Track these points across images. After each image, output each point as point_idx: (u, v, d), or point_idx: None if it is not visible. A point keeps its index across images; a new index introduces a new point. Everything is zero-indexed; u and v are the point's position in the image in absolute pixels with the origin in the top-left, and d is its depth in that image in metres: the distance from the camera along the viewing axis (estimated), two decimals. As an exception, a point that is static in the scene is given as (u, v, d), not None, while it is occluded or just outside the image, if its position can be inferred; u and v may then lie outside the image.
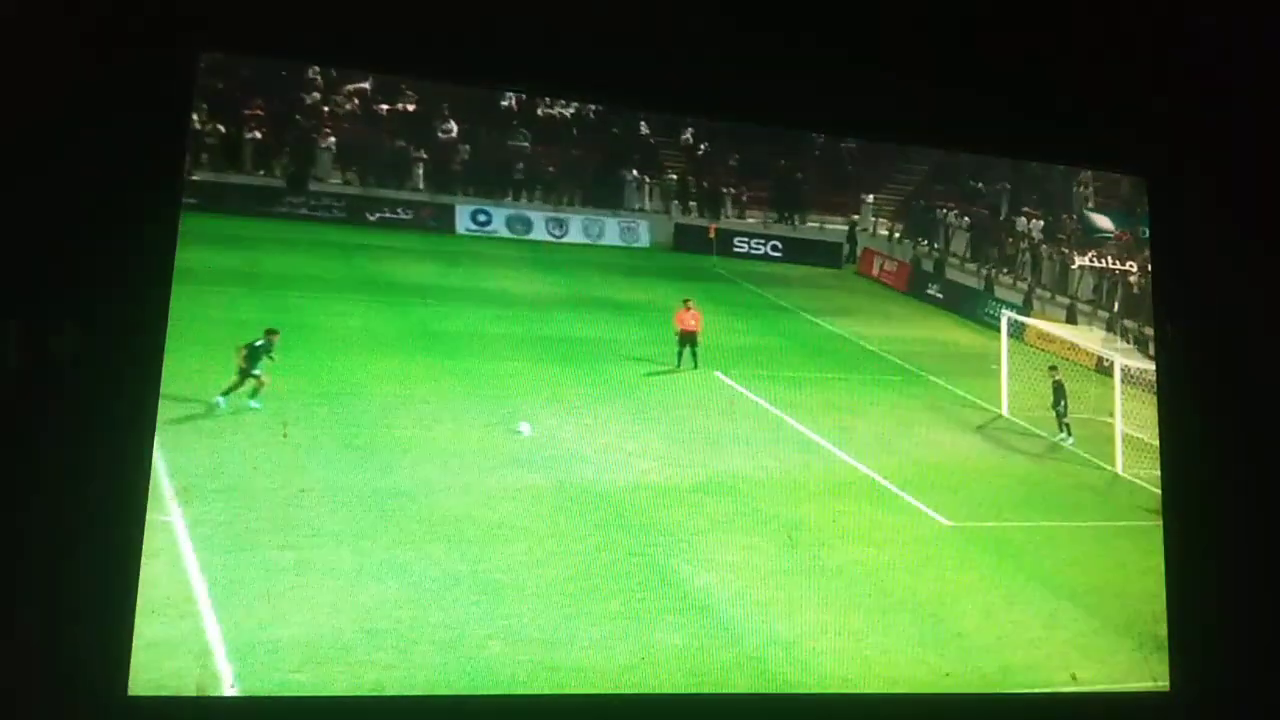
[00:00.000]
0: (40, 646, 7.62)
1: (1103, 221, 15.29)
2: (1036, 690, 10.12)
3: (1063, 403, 14.09)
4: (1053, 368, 14.55)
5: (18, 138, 7.93)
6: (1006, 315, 14.87)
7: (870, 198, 18.46)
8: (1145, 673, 10.37)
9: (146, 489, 8.27)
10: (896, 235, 18.18)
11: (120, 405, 8.05)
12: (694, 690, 9.23)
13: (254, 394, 12.16)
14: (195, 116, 12.76)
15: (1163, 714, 10.26)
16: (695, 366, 14.63)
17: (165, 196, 8.41)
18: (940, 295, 16.62)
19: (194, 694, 8.38)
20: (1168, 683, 10.32)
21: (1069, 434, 13.96)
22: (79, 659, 7.74)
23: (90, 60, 8.17)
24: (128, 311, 8.18)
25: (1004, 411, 13.88)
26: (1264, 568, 10.59)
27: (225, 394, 11.97)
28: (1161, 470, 11.01)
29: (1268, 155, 10.93)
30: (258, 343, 12.38)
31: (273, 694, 8.57)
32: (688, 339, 14.77)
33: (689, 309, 14.99)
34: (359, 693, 8.71)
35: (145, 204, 8.20)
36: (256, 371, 12.22)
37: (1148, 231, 14.12)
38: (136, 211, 8.19)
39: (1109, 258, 15.35)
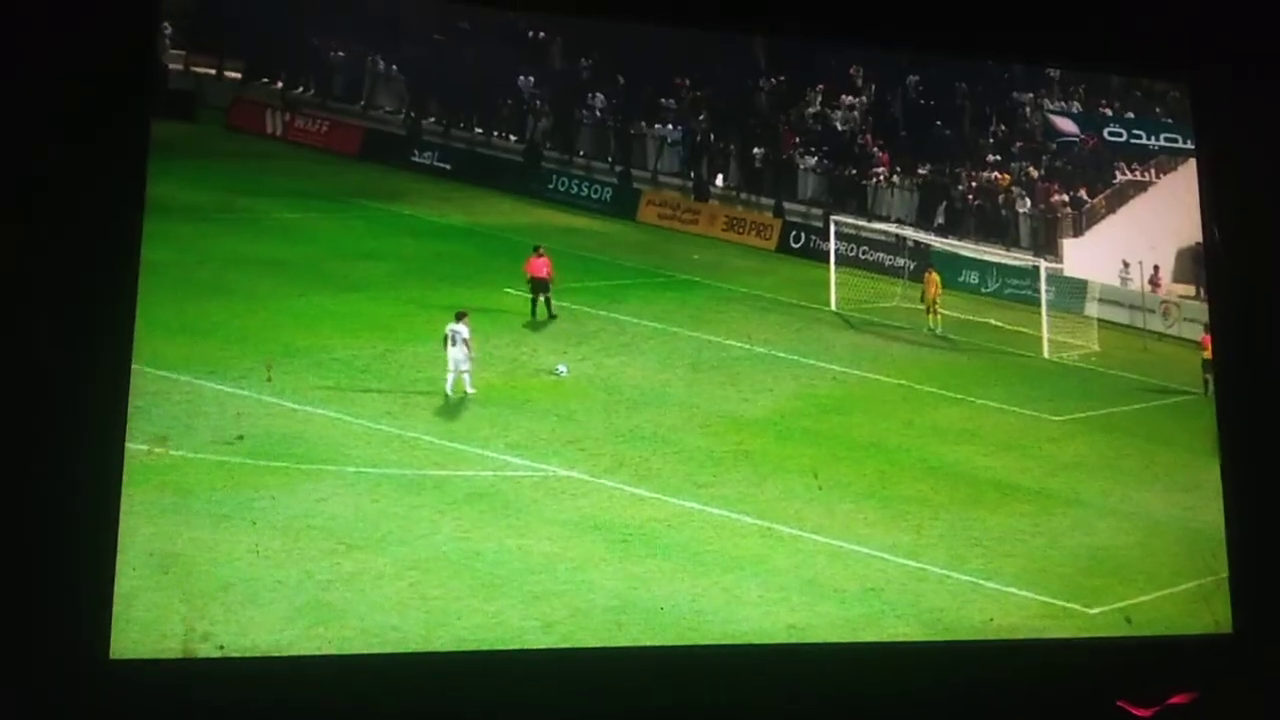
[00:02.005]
0: (16, 611, 6.58)
1: (1065, 125, 14.30)
2: (1085, 636, 9.10)
3: None
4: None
5: None
6: (834, 220, 14.38)
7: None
8: (1206, 615, 9.22)
9: (123, 443, 7.38)
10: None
11: (92, 354, 7.17)
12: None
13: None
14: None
15: (1227, 658, 8.92)
16: (550, 315, 12.21)
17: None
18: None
19: (179, 656, 7.39)
20: (1230, 625, 9.01)
21: None
22: (58, 623, 6.69)
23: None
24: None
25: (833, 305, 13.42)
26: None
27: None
28: (1217, 392, 9.73)
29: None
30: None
31: (263, 654, 7.62)
32: (540, 287, 12.26)
33: (540, 254, 12.40)
34: (346, 652, 7.85)
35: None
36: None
37: (1149, 137, 13.00)
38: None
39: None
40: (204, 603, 7.76)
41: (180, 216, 9.93)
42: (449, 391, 10.54)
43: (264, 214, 11.97)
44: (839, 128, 14.90)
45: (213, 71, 13.41)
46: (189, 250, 10.16)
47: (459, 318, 10.77)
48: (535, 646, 8.22)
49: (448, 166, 14.48)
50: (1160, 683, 8.55)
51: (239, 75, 13.76)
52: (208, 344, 9.63)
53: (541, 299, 12.31)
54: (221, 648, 7.58)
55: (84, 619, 6.84)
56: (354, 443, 9.75)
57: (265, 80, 14.16)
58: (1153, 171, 13.95)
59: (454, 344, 10.63)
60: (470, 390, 10.61)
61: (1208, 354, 11.31)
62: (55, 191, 7.46)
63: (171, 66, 12.05)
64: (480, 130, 15.08)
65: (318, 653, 7.83)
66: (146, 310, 7.84)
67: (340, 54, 14.38)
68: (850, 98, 14.91)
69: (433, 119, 15.03)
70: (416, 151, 14.53)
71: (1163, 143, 12.93)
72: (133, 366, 7.71)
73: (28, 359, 7.08)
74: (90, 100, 7.59)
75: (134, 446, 7.92)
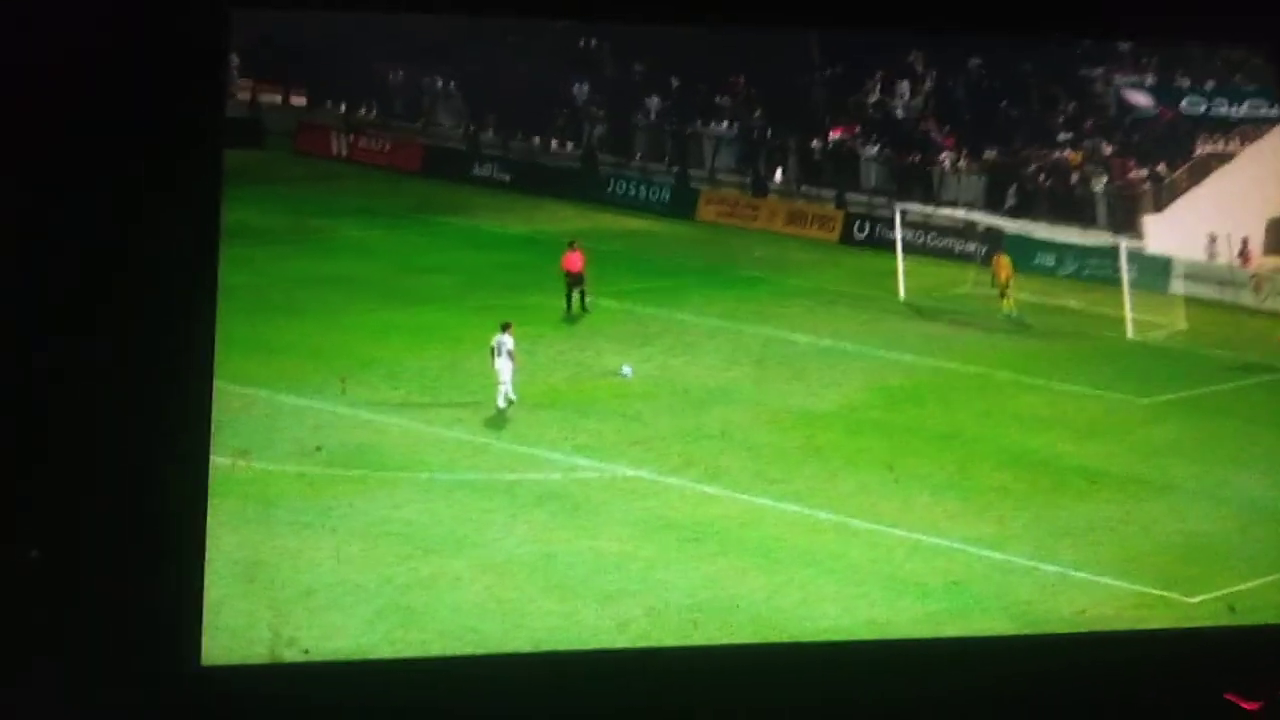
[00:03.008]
0: (109, 621, 6.62)
1: (1140, 98, 14.01)
2: (1186, 626, 8.76)
3: None
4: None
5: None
6: (899, 207, 14.27)
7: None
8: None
9: (208, 457, 7.55)
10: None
11: (177, 374, 7.33)
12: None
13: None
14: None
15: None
16: (584, 309, 12.48)
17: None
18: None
19: (267, 660, 7.59)
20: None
21: None
22: (149, 632, 6.75)
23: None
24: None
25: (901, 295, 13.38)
26: None
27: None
28: None
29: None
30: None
31: (347, 658, 7.79)
32: (575, 280, 12.51)
33: (575, 249, 12.66)
34: (426, 654, 7.99)
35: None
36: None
37: (1231, 105, 12.58)
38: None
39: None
40: (289, 608, 8.02)
41: (254, 240, 10.40)
42: (500, 404, 10.75)
43: (333, 234, 12.50)
44: (900, 115, 14.83)
45: (278, 99, 14.04)
46: (264, 272, 10.64)
47: (504, 329, 10.89)
48: (611, 646, 8.27)
49: (507, 178, 14.89)
50: (1269, 674, 8.18)
51: (304, 101, 14.38)
52: (284, 360, 10.08)
53: (576, 292, 12.51)
54: (307, 652, 7.78)
55: (175, 627, 7.00)
56: (427, 450, 10.04)
57: (329, 104, 14.78)
58: (1236, 141, 13.50)
59: (500, 355, 10.80)
60: (513, 398, 10.77)
61: None
62: (137, 223, 7.82)
63: (239, 96, 12.62)
64: (538, 140, 15.46)
65: (399, 655, 8.00)
66: (226, 330, 8.09)
67: (399, 75, 14.89)
68: (909, 83, 14.82)
69: (491, 132, 15.45)
70: (477, 165, 14.97)
71: (1245, 111, 12.52)
72: (215, 384, 8.03)
73: (117, 381, 7.37)
74: (166, 134, 7.91)
75: (219, 460, 8.21)
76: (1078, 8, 9.33)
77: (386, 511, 9.22)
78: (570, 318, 12.54)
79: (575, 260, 12.64)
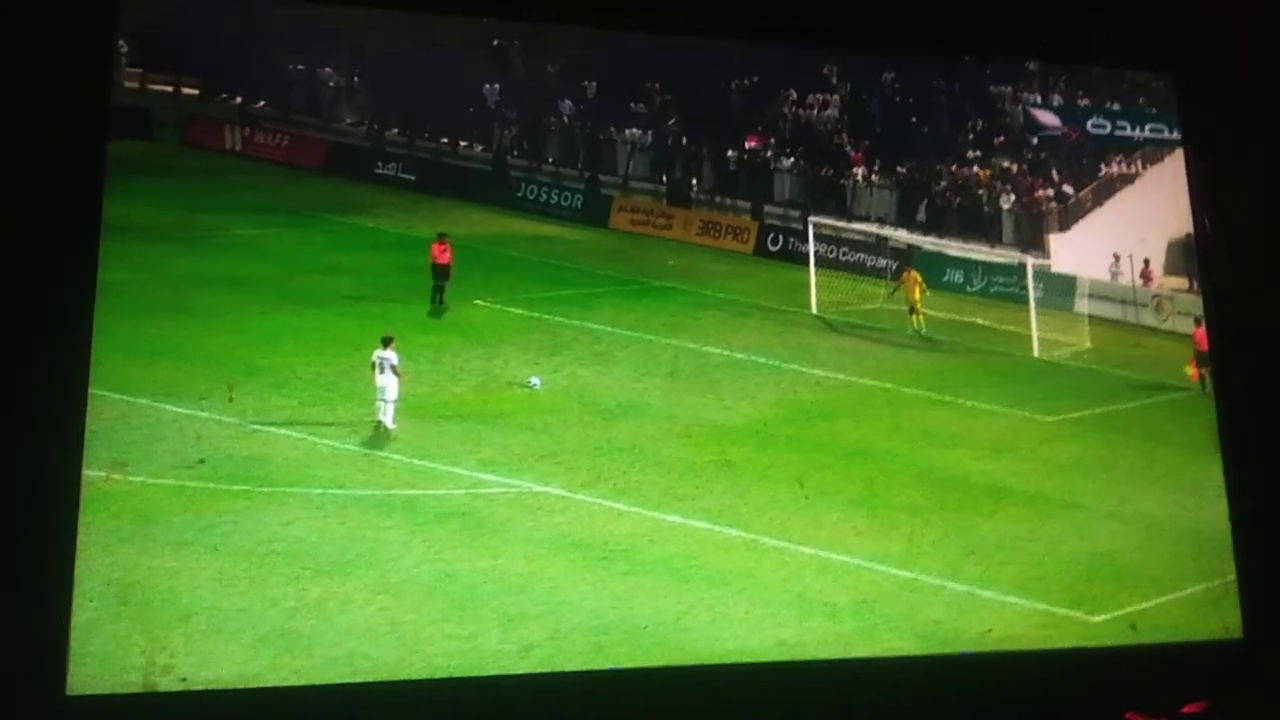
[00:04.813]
0: None
1: (1046, 118, 14.53)
2: (1089, 645, 8.98)
3: None
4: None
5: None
6: (813, 221, 14.62)
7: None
8: (1215, 620, 8.92)
9: (80, 469, 7.04)
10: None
11: (48, 378, 6.97)
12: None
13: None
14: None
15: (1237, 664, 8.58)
16: (441, 304, 12.41)
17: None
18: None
19: (140, 690, 7.27)
20: (1240, 630, 8.64)
21: None
22: (11, 658, 6.39)
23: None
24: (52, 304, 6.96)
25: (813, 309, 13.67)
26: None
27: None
28: (1215, 387, 9.35)
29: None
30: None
31: (228, 686, 7.49)
32: (441, 274, 12.51)
33: (444, 242, 12.59)
34: (314, 682, 7.75)
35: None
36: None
37: (1134, 128, 13.18)
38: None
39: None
40: (165, 633, 7.71)
41: (139, 236, 10.02)
42: (382, 420, 10.48)
43: (224, 231, 12.09)
44: (816, 128, 15.16)
45: (169, 89, 13.55)
46: (148, 270, 10.26)
47: (386, 343, 10.60)
48: (513, 672, 8.16)
49: (412, 178, 14.68)
50: (1170, 692, 8.41)
51: (196, 91, 13.93)
52: (167, 365, 9.69)
53: (438, 286, 12.48)
54: (184, 680, 7.49)
55: (39, 653, 6.61)
56: (319, 463, 9.77)
57: (224, 96, 14.33)
58: (1139, 163, 14.16)
59: (382, 371, 10.55)
60: (391, 426, 10.49)
61: (1191, 369, 11.38)
62: (9, 213, 7.47)
63: (127, 84, 12.17)
64: (445, 140, 15.29)
65: (285, 683, 7.75)
66: (104, 332, 7.74)
67: (299, 67, 14.52)
68: (825, 96, 15.13)
69: (396, 130, 15.21)
70: (380, 163, 14.72)
71: (1148, 133, 13.13)
72: (89, 390, 7.68)
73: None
74: (45, 120, 7.61)
75: (91, 473, 7.83)
76: (989, 27, 9.63)
77: (274, 529, 8.93)
78: (437, 311, 12.34)
79: (440, 253, 12.58)
